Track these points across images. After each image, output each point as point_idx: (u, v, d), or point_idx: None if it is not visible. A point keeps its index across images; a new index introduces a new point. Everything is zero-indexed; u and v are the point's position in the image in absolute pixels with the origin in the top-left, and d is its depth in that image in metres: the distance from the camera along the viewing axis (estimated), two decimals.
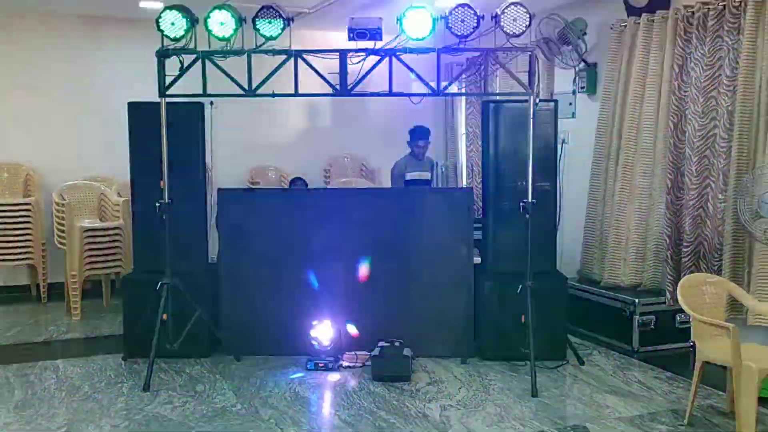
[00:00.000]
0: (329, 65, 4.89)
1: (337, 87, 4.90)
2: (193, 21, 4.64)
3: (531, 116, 4.74)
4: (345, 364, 5.02)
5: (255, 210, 5.38)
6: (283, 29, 4.63)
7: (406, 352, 4.80)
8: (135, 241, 5.37)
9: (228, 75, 4.80)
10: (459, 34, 4.55)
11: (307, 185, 7.04)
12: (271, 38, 4.65)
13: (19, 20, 7.05)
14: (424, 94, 4.98)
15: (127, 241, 6.33)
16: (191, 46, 4.75)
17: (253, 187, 7.46)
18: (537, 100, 4.79)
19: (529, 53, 4.75)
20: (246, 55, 4.77)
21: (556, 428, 3.92)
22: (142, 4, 6.52)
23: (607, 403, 4.32)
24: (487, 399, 4.41)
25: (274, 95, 4.88)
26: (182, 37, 4.65)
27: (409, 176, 5.74)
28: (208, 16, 4.63)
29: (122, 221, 6.51)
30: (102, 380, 4.73)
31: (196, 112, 5.17)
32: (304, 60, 4.82)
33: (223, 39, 4.66)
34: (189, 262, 5.16)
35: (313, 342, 5.05)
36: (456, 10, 4.50)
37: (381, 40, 4.64)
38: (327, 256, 5.26)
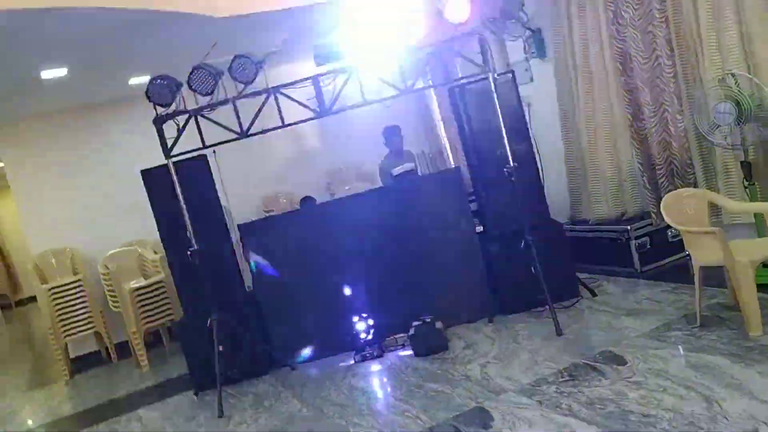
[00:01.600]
0: (307, 92, 4.85)
1: (318, 110, 4.86)
2: (177, 85, 4.62)
3: (494, 91, 4.70)
4: (387, 349, 5.00)
5: (276, 235, 5.35)
6: (256, 73, 4.59)
7: (438, 325, 4.77)
8: (179, 289, 5.36)
9: (220, 125, 4.78)
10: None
11: (315, 201, 7.00)
12: (248, 83, 4.62)
13: (28, 124, 7.04)
14: (394, 96, 4.94)
15: (172, 290, 6.34)
16: (182, 107, 4.73)
17: (268, 215, 7.43)
18: (495, 75, 4.73)
19: (478, 36, 4.70)
20: (231, 103, 4.74)
21: (585, 359, 3.88)
22: (131, 82, 6.50)
23: (624, 325, 4.29)
24: (518, 348, 4.38)
25: (264, 132, 4.85)
26: (171, 101, 4.63)
27: (396, 171, 5.69)
28: (189, 78, 4.61)
29: (163, 274, 6.50)
30: (180, 417, 4.73)
31: (201, 163, 5.13)
32: (282, 94, 4.79)
33: (207, 94, 4.64)
34: (229, 295, 5.15)
35: (357, 336, 5.03)
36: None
37: (344, 58, 4.60)
38: (349, 258, 5.22)
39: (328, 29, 5.73)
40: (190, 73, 4.57)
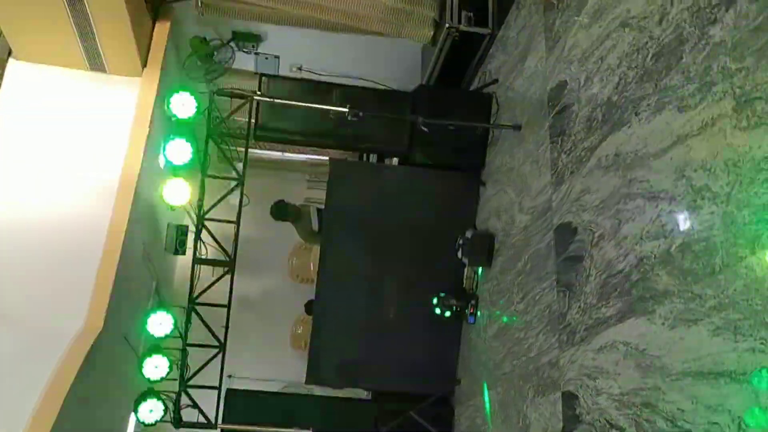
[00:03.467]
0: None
1: (226, 267, 4.83)
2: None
3: (273, 98, 4.72)
4: (470, 291, 5.04)
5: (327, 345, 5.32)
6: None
7: (468, 233, 4.84)
8: None
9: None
10: None
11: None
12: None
13: None
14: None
15: None
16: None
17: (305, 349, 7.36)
18: (258, 93, 4.72)
19: (213, 94, 4.65)
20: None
21: (556, 98, 3.97)
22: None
23: (539, 56, 4.38)
24: (515, 168, 4.45)
25: (227, 326, 4.83)
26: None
27: (316, 225, 5.66)
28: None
29: None
30: None
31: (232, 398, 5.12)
32: (198, 305, 4.74)
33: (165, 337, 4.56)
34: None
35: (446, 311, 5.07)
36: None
37: (188, 230, 4.55)
38: (380, 284, 5.26)
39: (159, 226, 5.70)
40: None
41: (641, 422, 2.63)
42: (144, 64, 4.98)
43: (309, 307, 7.11)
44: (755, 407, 2.06)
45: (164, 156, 4.21)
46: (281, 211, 6.21)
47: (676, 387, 2.44)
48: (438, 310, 4.99)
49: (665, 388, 2.51)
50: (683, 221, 2.52)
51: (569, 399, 3.29)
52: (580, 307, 3.28)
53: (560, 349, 3.46)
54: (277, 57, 6.24)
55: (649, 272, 2.70)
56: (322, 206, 5.75)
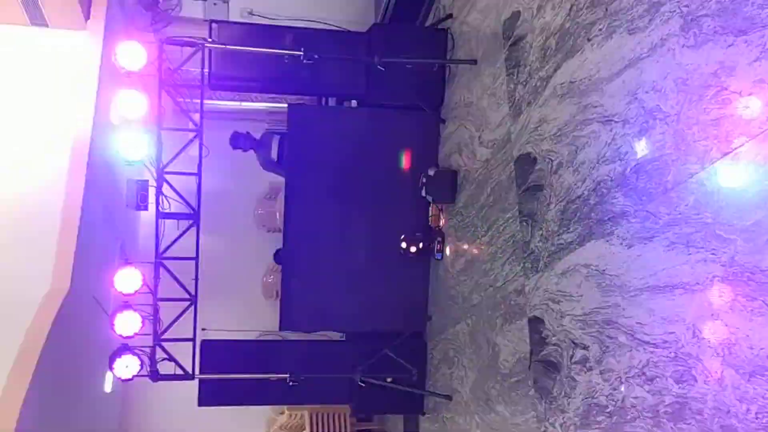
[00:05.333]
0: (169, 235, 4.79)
1: (191, 212, 4.79)
2: None
3: (223, 45, 4.62)
4: (436, 227, 5.13)
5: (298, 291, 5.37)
6: None
7: (431, 171, 4.88)
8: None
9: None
10: None
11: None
12: None
13: None
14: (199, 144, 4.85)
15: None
16: None
17: (276, 297, 7.44)
18: (207, 40, 4.61)
19: (159, 42, 4.52)
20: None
21: (507, 41, 3.98)
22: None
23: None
24: (475, 102, 4.48)
25: (197, 279, 4.83)
26: None
27: (274, 154, 5.56)
28: None
29: (306, 411, 6.61)
30: None
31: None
32: (168, 258, 4.71)
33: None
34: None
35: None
36: None
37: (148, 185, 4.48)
38: (351, 239, 5.28)
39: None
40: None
41: (603, 338, 2.76)
42: (87, 16, 4.81)
43: (278, 255, 7.13)
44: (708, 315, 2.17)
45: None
46: (237, 141, 6.09)
47: (635, 302, 2.55)
48: (405, 248, 5.06)
49: (624, 305, 2.62)
50: (636, 143, 2.58)
51: (535, 323, 3.41)
52: (542, 234, 3.37)
53: (525, 277, 3.56)
54: (226, 2, 6.08)
55: (606, 195, 2.77)
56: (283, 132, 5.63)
